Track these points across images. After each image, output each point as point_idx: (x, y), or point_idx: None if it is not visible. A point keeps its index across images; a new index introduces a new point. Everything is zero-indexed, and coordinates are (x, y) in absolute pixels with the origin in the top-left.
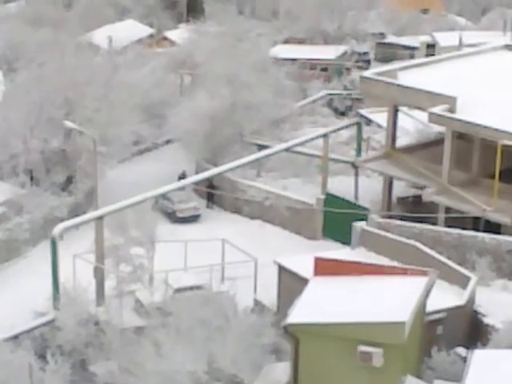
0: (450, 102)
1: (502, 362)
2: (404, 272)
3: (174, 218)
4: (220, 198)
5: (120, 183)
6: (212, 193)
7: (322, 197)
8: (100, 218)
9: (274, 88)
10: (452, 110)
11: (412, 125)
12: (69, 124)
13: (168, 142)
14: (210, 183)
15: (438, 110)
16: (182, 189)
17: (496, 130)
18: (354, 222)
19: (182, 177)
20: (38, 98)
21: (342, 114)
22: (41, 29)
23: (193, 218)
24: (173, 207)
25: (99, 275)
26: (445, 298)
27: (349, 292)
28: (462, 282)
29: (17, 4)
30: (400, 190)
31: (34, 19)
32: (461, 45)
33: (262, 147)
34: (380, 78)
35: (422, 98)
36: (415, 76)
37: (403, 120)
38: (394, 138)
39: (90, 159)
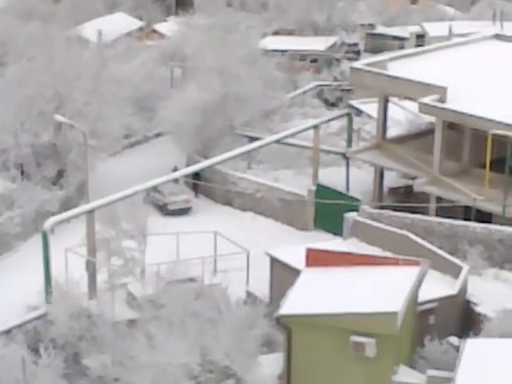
0: (441, 92)
1: (495, 350)
2: (396, 262)
3: (165, 210)
4: (211, 190)
5: (111, 176)
6: (197, 183)
7: (314, 188)
8: (91, 212)
9: (264, 80)
10: (442, 100)
11: (402, 115)
12: (59, 118)
13: (159, 134)
14: (195, 174)
15: (428, 100)
16: (176, 181)
17: (486, 119)
18: (345, 212)
19: (175, 170)
20: (28, 92)
21: (333, 105)
22: (30, 23)
23: (184, 211)
24: (164, 200)
25: (91, 268)
26: (437, 287)
27: (341, 283)
28: (454, 271)
29: None
30: (391, 180)
31: (23, 13)
32: (450, 35)
33: (252, 139)
34: (370, 68)
35: (412, 89)
36: (405, 66)
37: (394, 110)
38: (384, 129)
39: (80, 153)
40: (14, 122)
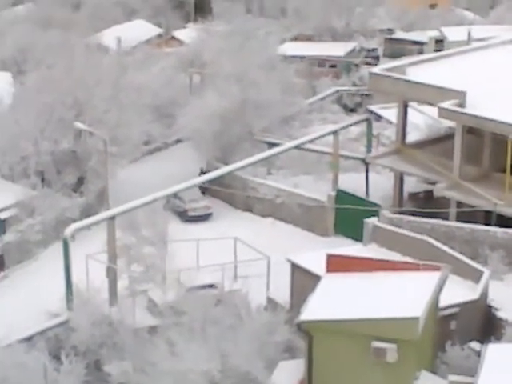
0: (460, 96)
1: None
2: (416, 267)
3: (185, 217)
4: (231, 197)
5: (131, 183)
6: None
7: (333, 194)
8: (112, 218)
9: (283, 86)
10: (462, 105)
11: (422, 120)
12: (79, 125)
13: (178, 141)
14: (201, 171)
15: (447, 104)
16: (198, 186)
17: (506, 124)
18: (365, 218)
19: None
20: (48, 100)
21: (352, 110)
22: (49, 30)
23: (204, 217)
24: (184, 206)
25: (112, 275)
26: (458, 292)
27: (361, 288)
28: (475, 276)
29: (25, 6)
30: (411, 185)
31: (43, 21)
32: (469, 39)
33: (272, 145)
34: (389, 73)
35: (431, 93)
36: (424, 71)
37: (413, 115)
38: (404, 134)
39: (100, 160)
40: (34, 129)
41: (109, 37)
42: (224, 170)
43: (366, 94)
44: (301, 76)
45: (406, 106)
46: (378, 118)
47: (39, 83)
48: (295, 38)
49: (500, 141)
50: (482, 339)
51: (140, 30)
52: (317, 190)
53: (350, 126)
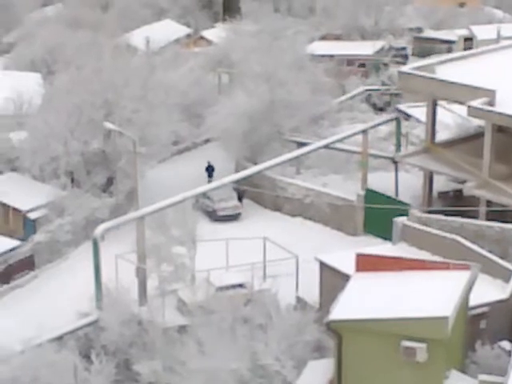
0: (490, 95)
1: None
2: (446, 266)
3: (214, 216)
4: (260, 196)
5: (160, 183)
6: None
7: (363, 193)
8: (141, 218)
9: (312, 85)
10: (491, 103)
11: (451, 119)
12: (108, 125)
13: (207, 141)
14: (208, 165)
15: (477, 103)
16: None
17: None
18: (394, 217)
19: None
20: (77, 100)
21: (381, 109)
22: (78, 31)
23: (233, 217)
24: (213, 206)
25: (141, 275)
26: (488, 291)
27: (391, 287)
28: (505, 275)
29: (54, 7)
30: (440, 184)
31: (72, 22)
32: (499, 38)
33: (301, 144)
34: (418, 72)
35: (460, 92)
36: (453, 70)
37: (442, 114)
38: (433, 133)
39: (129, 160)
40: (64, 130)
41: (137, 37)
42: (253, 169)
43: (395, 93)
44: (329, 75)
45: (435, 105)
46: (407, 116)
47: (69, 84)
48: (324, 37)
49: None
50: None
51: (168, 29)
52: (346, 189)
53: (379, 125)
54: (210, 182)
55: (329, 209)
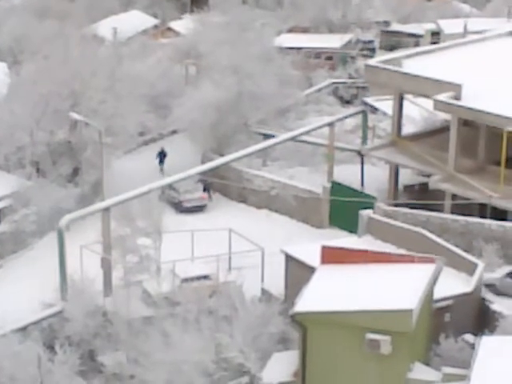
0: (456, 89)
1: (510, 348)
2: (411, 259)
3: (180, 208)
4: (226, 188)
5: (126, 174)
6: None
7: (329, 185)
8: (106, 209)
9: (279, 77)
10: (457, 98)
11: (417, 112)
12: (74, 116)
13: (174, 132)
14: (161, 151)
15: (443, 97)
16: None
17: (502, 116)
18: (360, 210)
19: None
20: (44, 91)
21: (348, 102)
22: (46, 21)
23: (199, 208)
24: (179, 197)
25: (106, 266)
26: (452, 285)
27: (356, 280)
28: (469, 268)
29: None
30: (406, 177)
31: (39, 11)
32: (466, 32)
33: (267, 136)
34: (385, 66)
35: (427, 86)
36: (420, 64)
37: (408, 108)
38: (399, 126)
39: (95, 150)
40: (30, 119)
41: (105, 27)
42: (219, 161)
43: (362, 86)
44: (297, 68)
45: (401, 99)
46: (374, 110)
47: (35, 74)
48: (291, 30)
49: (495, 133)
50: (475, 331)
51: (136, 20)
52: (312, 181)
53: (346, 117)
54: (161, 168)
55: (295, 201)
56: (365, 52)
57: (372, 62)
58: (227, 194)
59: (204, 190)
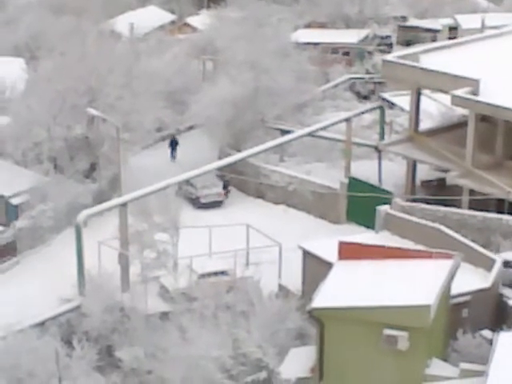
0: (473, 84)
1: None
2: (429, 255)
3: (197, 203)
4: (243, 183)
5: (143, 170)
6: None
7: (346, 181)
8: (124, 205)
9: (296, 73)
10: (475, 93)
11: (435, 108)
12: (92, 111)
13: (191, 128)
14: (173, 138)
15: (460, 92)
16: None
17: None
18: (377, 205)
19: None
20: (61, 87)
21: (365, 97)
22: (63, 17)
23: (216, 204)
24: (196, 193)
25: (124, 261)
26: (470, 280)
27: (373, 276)
28: (487, 264)
29: None
30: (424, 173)
31: (56, 7)
32: (483, 27)
33: (284, 132)
34: (402, 61)
35: (444, 81)
36: (437, 59)
37: (426, 103)
38: (416, 122)
39: (113, 146)
40: (47, 115)
41: (122, 23)
42: (237, 156)
43: (379, 82)
44: (314, 63)
45: (419, 94)
46: (391, 105)
47: (52, 70)
48: (308, 25)
49: None
50: (493, 327)
51: (153, 16)
52: (329, 177)
53: (363, 113)
54: (173, 156)
55: (312, 197)
56: (382, 47)
57: (389, 57)
58: (244, 190)
59: (224, 187)
